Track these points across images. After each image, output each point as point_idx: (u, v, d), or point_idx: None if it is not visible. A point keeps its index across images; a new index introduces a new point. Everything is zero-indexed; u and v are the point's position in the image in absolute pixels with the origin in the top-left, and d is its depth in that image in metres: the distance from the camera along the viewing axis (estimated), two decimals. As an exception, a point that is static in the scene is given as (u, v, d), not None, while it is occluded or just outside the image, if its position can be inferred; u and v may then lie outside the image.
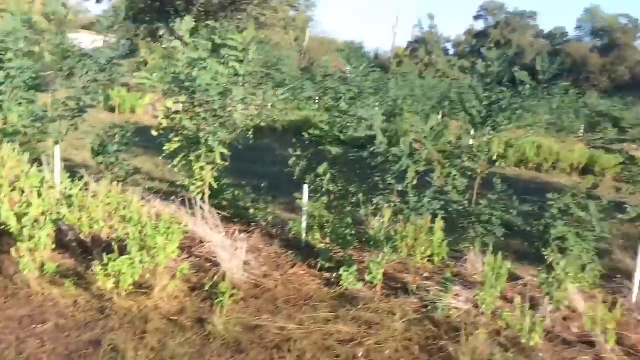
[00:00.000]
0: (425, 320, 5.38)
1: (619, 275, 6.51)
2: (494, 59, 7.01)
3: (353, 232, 6.60)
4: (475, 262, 6.51)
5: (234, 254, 6.12)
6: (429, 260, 5.99)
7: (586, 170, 16.30)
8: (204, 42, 6.71)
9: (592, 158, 16.29)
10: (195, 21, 7.33)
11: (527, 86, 6.28)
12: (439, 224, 5.87)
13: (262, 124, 7.30)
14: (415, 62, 63.83)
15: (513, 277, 6.63)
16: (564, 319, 5.60)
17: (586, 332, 5.29)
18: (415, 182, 6.51)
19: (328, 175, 6.93)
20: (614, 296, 6.27)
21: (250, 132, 7.30)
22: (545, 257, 5.93)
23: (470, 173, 6.69)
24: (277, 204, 9.15)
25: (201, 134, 7.01)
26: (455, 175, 6.54)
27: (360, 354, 4.70)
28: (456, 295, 5.80)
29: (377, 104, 16.40)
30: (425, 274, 6.32)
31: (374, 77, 20.26)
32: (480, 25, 78.88)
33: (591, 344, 5.13)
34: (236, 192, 8.01)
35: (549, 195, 6.41)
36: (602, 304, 5.29)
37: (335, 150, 7.06)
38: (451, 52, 78.23)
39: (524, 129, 8.09)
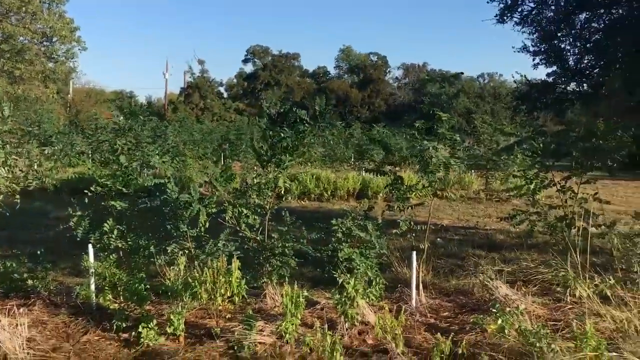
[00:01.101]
0: (231, 362, 5.37)
1: (400, 285, 7.25)
2: (276, 101, 7.48)
3: (148, 286, 6.33)
4: (274, 295, 6.71)
5: (13, 332, 5.45)
6: (229, 301, 6.01)
7: (360, 194, 17.88)
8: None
9: (364, 183, 17.94)
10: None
11: (306, 125, 6.76)
12: (235, 264, 5.95)
13: (30, 187, 6.67)
14: (190, 108, 63.97)
15: (311, 303, 6.99)
16: (359, 333, 6.04)
17: (380, 341, 5.80)
18: (207, 225, 6.52)
19: (115, 232, 6.58)
20: (398, 304, 6.99)
21: (17, 197, 6.64)
22: (337, 279, 6.35)
23: (259, 210, 6.91)
24: (60, 269, 8.40)
25: (-45, 205, 6.21)
26: (246, 213, 6.70)
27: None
28: (260, 330, 5.90)
29: (157, 152, 16.03)
30: (228, 316, 6.32)
31: (151, 125, 19.88)
32: (249, 68, 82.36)
33: (385, 352, 5.62)
34: (8, 264, 7.16)
35: (333, 221, 6.93)
36: (388, 314, 5.85)
37: (119, 204, 6.74)
38: (225, 95, 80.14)
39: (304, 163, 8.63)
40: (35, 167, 6.97)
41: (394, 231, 7.00)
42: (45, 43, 34.85)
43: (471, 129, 19.88)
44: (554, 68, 10.91)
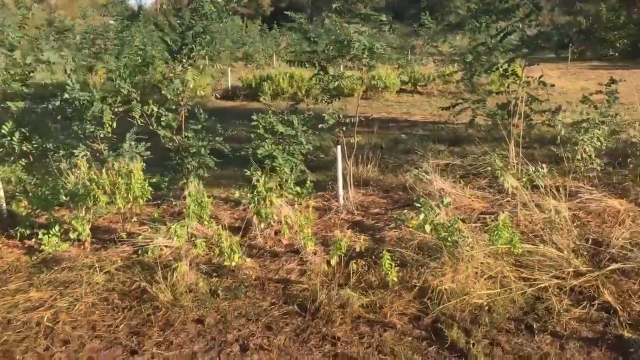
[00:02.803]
0: (134, 266, 5.09)
1: (330, 182, 6.86)
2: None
3: (56, 192, 5.97)
4: (193, 197, 6.36)
5: None
6: (134, 204, 5.67)
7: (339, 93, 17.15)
8: None
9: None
10: None
11: (213, 8, 6.09)
12: (137, 165, 5.53)
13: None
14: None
15: (237, 203, 6.67)
16: (276, 233, 5.72)
17: (295, 241, 5.48)
18: (114, 125, 6.07)
19: (17, 135, 6.13)
20: (328, 202, 6.65)
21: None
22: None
23: (174, 107, 6.40)
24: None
25: None
26: (158, 110, 6.21)
27: (45, 319, 4.26)
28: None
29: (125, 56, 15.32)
30: (134, 219, 6.01)
31: (117, 29, 18.94)
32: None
33: (298, 252, 5.32)
34: None
35: (254, 116, 6.43)
36: (299, 212, 5.49)
37: (15, 105, 6.22)
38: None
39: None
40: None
41: (320, 125, 6.49)
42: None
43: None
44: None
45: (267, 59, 23.92)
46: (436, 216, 5.07)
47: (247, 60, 23.72)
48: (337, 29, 6.03)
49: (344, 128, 6.59)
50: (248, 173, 5.76)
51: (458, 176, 7.11)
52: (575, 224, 5.50)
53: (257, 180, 5.46)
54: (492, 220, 4.98)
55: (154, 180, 6.37)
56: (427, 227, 5.01)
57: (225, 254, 4.82)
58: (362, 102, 16.90)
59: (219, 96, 17.73)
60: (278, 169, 6.13)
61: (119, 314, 4.38)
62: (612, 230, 5.25)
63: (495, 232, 4.65)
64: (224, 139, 6.39)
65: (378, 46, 6.06)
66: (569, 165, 6.64)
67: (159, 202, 6.69)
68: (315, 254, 5.22)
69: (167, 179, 6.40)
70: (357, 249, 4.75)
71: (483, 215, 6.01)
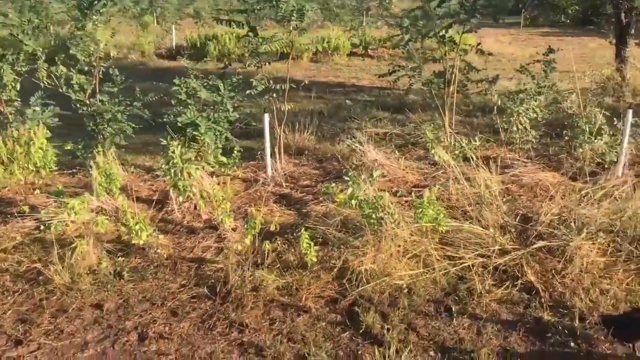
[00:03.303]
0: (33, 244, 4.68)
1: (261, 152, 6.48)
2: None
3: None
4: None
5: None
6: (37, 174, 5.19)
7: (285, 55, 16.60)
8: None
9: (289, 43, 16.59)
10: None
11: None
12: (40, 132, 5.04)
13: None
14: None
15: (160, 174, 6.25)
16: (195, 207, 5.36)
17: (215, 216, 5.14)
18: (17, 86, 5.52)
19: None
20: (257, 173, 6.30)
21: None
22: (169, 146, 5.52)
23: (87, 67, 5.86)
24: None
25: None
26: (64, 72, 5.67)
27: None
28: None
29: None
30: (39, 191, 5.53)
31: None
32: None
33: (217, 228, 4.99)
34: None
35: (176, 81, 5.97)
36: (221, 185, 5.14)
37: None
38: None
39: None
40: None
41: (248, 92, 6.06)
42: None
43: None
44: None
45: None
46: (364, 191, 4.80)
47: (197, 17, 22.73)
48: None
49: (274, 95, 6.18)
50: (164, 142, 5.32)
51: (395, 146, 6.86)
52: (505, 199, 5.33)
53: (173, 151, 5.06)
54: (419, 197, 4.74)
55: (68, 147, 5.90)
56: (354, 203, 4.75)
57: (133, 231, 4.45)
58: (310, 65, 16.47)
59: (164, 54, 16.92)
60: (199, 138, 5.72)
61: (8, 298, 3.99)
62: (542, 206, 5.09)
63: (420, 210, 4.41)
64: (146, 104, 5.93)
65: (308, 8, 5.65)
66: (505, 136, 6.46)
67: (74, 171, 6.21)
68: (234, 230, 4.90)
69: (81, 146, 5.91)
70: (273, 229, 4.44)
71: (417, 189, 5.78)
